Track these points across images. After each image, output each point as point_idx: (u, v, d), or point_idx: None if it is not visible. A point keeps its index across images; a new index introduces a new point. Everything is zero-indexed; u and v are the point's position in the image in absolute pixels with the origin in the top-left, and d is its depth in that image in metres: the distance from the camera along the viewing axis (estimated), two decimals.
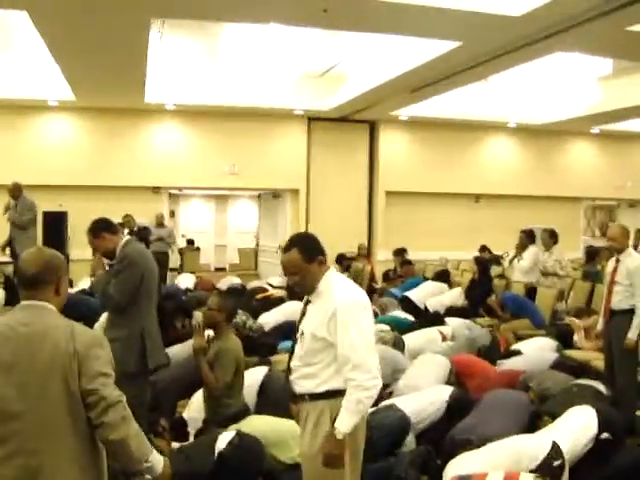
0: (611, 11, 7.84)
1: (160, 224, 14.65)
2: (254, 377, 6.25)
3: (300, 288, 3.86)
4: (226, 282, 13.88)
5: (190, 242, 20.96)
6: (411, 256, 14.57)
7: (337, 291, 3.66)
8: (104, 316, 6.80)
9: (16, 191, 11.09)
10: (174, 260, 16.32)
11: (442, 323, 9.14)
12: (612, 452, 4.95)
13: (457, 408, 5.77)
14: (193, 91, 14.24)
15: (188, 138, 15.68)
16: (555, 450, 4.54)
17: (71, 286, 12.05)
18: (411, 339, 8.25)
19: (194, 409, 5.95)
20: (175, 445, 5.28)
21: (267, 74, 14.17)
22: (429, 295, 11.41)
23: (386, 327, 8.39)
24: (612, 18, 8.04)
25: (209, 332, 5.78)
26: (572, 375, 6.72)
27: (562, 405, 5.45)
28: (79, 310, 7.98)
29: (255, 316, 9.62)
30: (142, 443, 2.92)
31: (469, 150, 17.28)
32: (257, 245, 19.92)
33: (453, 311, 10.50)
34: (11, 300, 10.79)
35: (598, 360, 7.51)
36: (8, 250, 11.43)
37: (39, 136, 14.81)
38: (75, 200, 14.08)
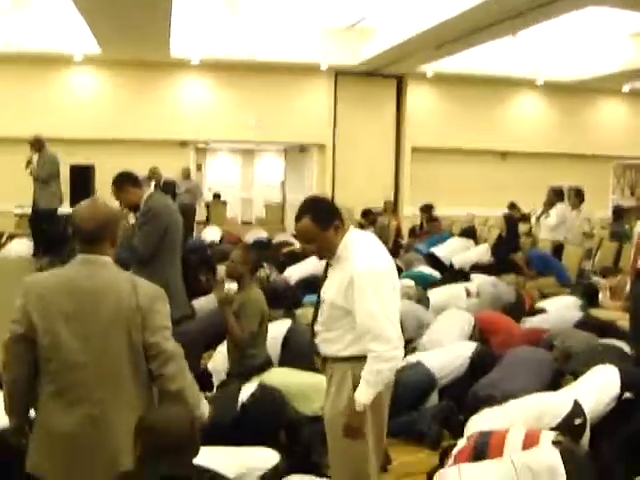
0: None
1: (187, 177, 14.67)
2: (278, 330, 6.28)
3: (318, 255, 3.73)
4: (252, 235, 13.89)
5: (217, 196, 20.98)
6: (438, 212, 14.50)
7: (356, 257, 3.49)
8: None
9: (37, 144, 10.87)
10: (201, 213, 16.38)
11: (467, 280, 9.13)
12: (634, 412, 4.94)
13: (480, 364, 5.77)
14: (219, 45, 14.20)
15: (214, 92, 15.65)
16: (577, 408, 4.53)
17: None
18: (436, 295, 8.25)
19: (219, 361, 5.99)
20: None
21: (293, 28, 14.10)
22: (455, 251, 11.37)
23: (411, 283, 8.39)
24: None
25: (231, 285, 5.79)
26: (597, 334, 6.69)
27: (585, 364, 5.42)
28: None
29: (281, 269, 9.65)
30: (195, 392, 3.03)
31: (496, 107, 17.13)
32: (284, 199, 19.90)
33: (479, 268, 10.47)
34: (39, 251, 10.93)
35: (623, 320, 7.46)
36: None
37: (65, 89, 14.88)
38: (102, 154, 14.11)
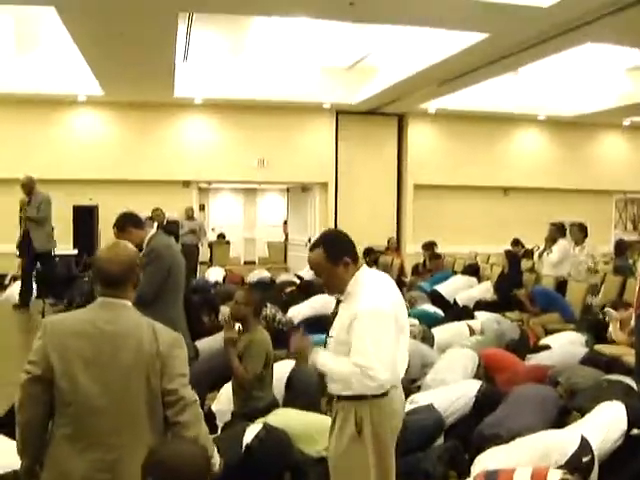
0: None
1: (190, 217, 14.70)
2: (282, 370, 6.25)
3: (326, 289, 3.78)
4: (255, 275, 13.90)
5: (221, 236, 21.03)
6: (440, 250, 14.50)
7: (362, 296, 3.52)
8: None
9: (31, 185, 10.40)
10: (204, 253, 16.39)
11: (471, 317, 9.10)
12: None
13: (485, 403, 5.73)
14: (222, 85, 14.32)
15: (217, 132, 15.75)
16: (584, 446, 4.49)
17: None
18: (440, 333, 8.22)
19: (222, 402, 5.96)
20: None
21: (295, 68, 14.22)
22: (458, 289, 11.36)
23: (415, 321, 8.36)
24: None
25: (238, 325, 5.78)
26: (602, 370, 6.65)
27: (592, 400, 5.39)
28: None
29: (284, 309, 9.63)
30: (209, 442, 3.00)
31: (498, 143, 17.21)
32: (286, 238, 19.94)
33: (482, 305, 10.45)
34: (40, 294, 10.88)
35: (629, 355, 7.42)
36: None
37: (68, 131, 14.99)
38: (105, 194, 14.19)
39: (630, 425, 4.91)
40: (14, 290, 10.86)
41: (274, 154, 15.83)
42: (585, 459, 4.44)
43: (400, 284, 12.43)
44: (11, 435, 3.13)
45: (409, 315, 8.34)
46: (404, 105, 15.38)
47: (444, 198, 16.86)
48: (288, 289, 11.65)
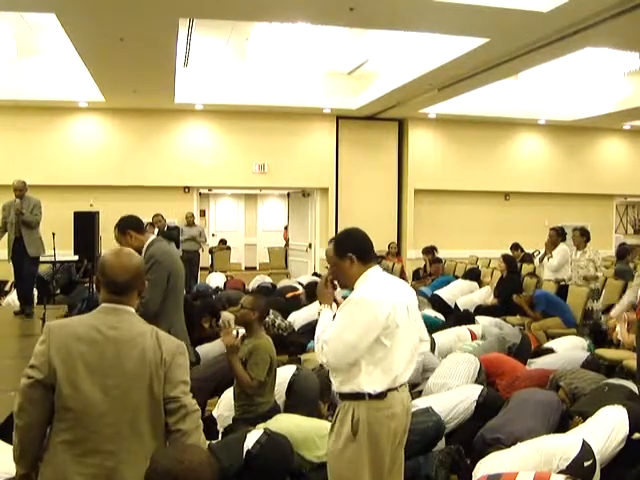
0: None
1: (190, 223, 14.70)
2: (283, 376, 6.25)
3: (338, 282, 3.91)
4: (257, 281, 13.90)
5: (222, 242, 21.03)
6: (441, 254, 14.52)
7: (358, 290, 3.68)
8: None
9: (25, 190, 10.22)
10: (205, 259, 16.39)
11: (472, 322, 9.10)
12: None
13: (487, 407, 5.73)
14: (222, 91, 14.32)
15: (217, 138, 15.75)
16: (586, 450, 4.49)
17: None
18: (441, 338, 8.21)
19: (223, 407, 5.95)
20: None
21: (295, 73, 14.22)
22: (459, 293, 11.37)
23: None
24: None
25: (241, 330, 5.76)
26: (603, 374, 6.65)
27: (593, 405, 5.39)
28: None
29: (285, 315, 9.63)
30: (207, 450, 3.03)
31: (498, 147, 17.20)
32: (287, 244, 19.93)
33: (483, 309, 10.45)
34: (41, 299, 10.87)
35: (630, 359, 7.42)
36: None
37: (69, 137, 14.98)
38: (106, 200, 14.19)
39: (632, 429, 4.90)
40: (15, 296, 10.85)
41: (275, 159, 15.82)
42: (587, 464, 4.44)
43: None
44: (9, 442, 3.11)
45: None
46: (404, 110, 15.37)
47: (445, 203, 16.85)
48: (289, 294, 11.65)
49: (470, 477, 4.56)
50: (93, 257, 11.17)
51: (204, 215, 21.70)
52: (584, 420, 5.16)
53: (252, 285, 13.59)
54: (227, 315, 8.85)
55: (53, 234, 9.94)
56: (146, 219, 12.81)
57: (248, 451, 4.58)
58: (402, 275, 14.32)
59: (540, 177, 17.33)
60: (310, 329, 8.82)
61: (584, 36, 9.08)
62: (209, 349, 7.62)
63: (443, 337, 8.28)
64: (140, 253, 5.24)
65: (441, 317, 9.83)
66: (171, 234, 12.54)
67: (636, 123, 16.94)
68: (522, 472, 4.04)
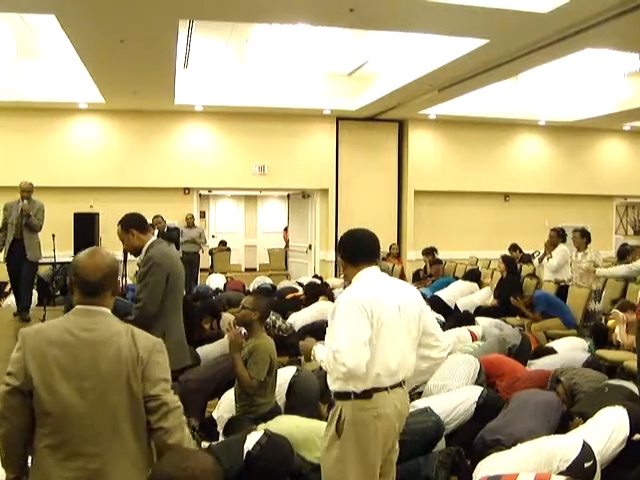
0: None
1: (190, 225, 14.69)
2: (283, 377, 6.25)
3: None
4: (257, 282, 13.91)
5: (222, 243, 21.05)
6: (441, 255, 14.54)
7: (348, 288, 3.76)
8: None
9: (31, 192, 10.14)
10: (205, 260, 16.39)
11: (472, 323, 9.10)
12: None
13: (487, 408, 5.73)
14: (222, 92, 14.33)
15: (217, 139, 15.75)
16: (586, 451, 4.49)
17: None
18: None
19: (224, 409, 5.96)
20: (205, 445, 5.29)
21: (295, 74, 14.22)
22: (459, 294, 11.38)
23: None
24: None
25: (244, 331, 5.78)
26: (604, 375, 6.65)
27: (593, 406, 5.38)
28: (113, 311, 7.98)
29: (285, 316, 9.64)
30: (191, 447, 3.02)
31: (499, 148, 17.20)
32: (287, 245, 19.94)
33: (483, 310, 10.45)
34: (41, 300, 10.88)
35: (631, 360, 7.42)
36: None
37: (70, 138, 14.99)
38: (106, 201, 14.20)
39: (632, 430, 4.90)
40: (14, 298, 10.82)
41: (274, 161, 15.82)
42: (587, 464, 4.44)
43: None
44: None
45: None
46: (404, 111, 15.37)
47: (445, 204, 16.85)
48: (289, 296, 11.66)
49: (470, 478, 4.56)
50: None
51: (204, 216, 21.70)
52: (584, 421, 5.16)
53: (252, 286, 13.60)
54: (228, 316, 8.85)
55: (53, 235, 9.94)
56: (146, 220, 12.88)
57: (248, 452, 4.58)
58: (402, 276, 14.32)
59: (540, 178, 17.32)
60: (310, 330, 8.85)
61: (584, 37, 9.07)
62: (209, 350, 7.63)
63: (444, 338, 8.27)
64: (140, 252, 5.30)
65: (441, 318, 9.81)
66: (171, 235, 12.55)
67: (636, 124, 16.94)
68: (522, 473, 4.04)
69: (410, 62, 12.14)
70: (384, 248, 15.21)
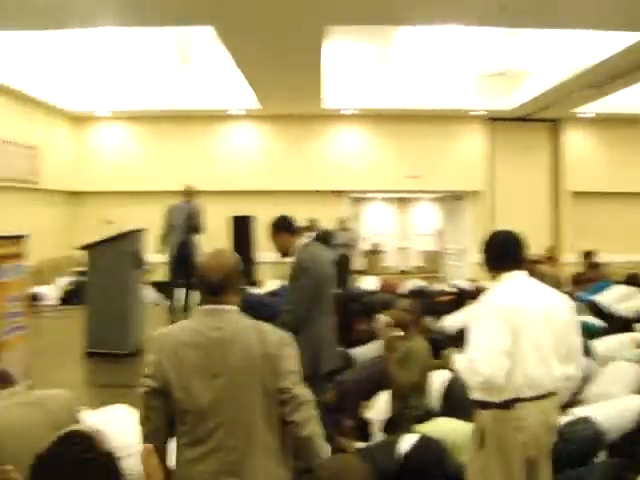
0: None
1: (343, 228, 14.83)
2: (439, 380, 6.22)
3: None
4: (411, 284, 13.88)
5: (375, 245, 21.15)
6: (600, 259, 14.04)
7: (487, 295, 3.70)
8: None
9: (194, 194, 10.56)
10: (358, 262, 16.49)
11: (633, 329, 8.76)
12: None
13: None
14: (371, 95, 14.43)
15: (368, 142, 15.87)
16: None
17: (259, 287, 12.46)
18: (601, 345, 7.95)
19: (378, 410, 5.99)
20: (359, 445, 5.34)
21: (445, 75, 14.14)
22: (619, 300, 10.95)
23: None
24: None
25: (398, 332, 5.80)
26: None
27: None
28: (266, 311, 8.15)
29: (438, 319, 9.58)
30: (322, 440, 3.01)
31: None
32: (440, 248, 19.81)
33: None
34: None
35: None
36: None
37: (226, 144, 15.50)
38: (261, 205, 14.55)
39: None
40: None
41: (426, 163, 15.80)
42: None
43: None
44: None
45: None
46: (559, 110, 15.00)
47: (603, 205, 16.33)
48: (442, 298, 11.56)
49: None
50: (248, 259, 11.46)
51: (357, 219, 21.85)
52: None
53: (405, 288, 13.57)
54: (382, 318, 8.89)
55: (212, 237, 10.29)
56: (300, 223, 13.12)
57: (404, 454, 4.59)
58: (558, 280, 13.94)
59: None
60: (463, 333, 8.74)
61: None
62: (364, 352, 7.68)
63: (603, 344, 8.01)
64: (290, 254, 5.39)
65: (600, 323, 9.50)
66: (325, 238, 12.72)
67: None
68: None
69: (565, 59, 11.83)
70: (538, 250, 14.87)
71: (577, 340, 3.78)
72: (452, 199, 17.61)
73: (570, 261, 15.68)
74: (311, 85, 12.48)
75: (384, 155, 15.91)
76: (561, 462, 3.94)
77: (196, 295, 3.29)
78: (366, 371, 6.82)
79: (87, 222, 14.56)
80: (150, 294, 11.97)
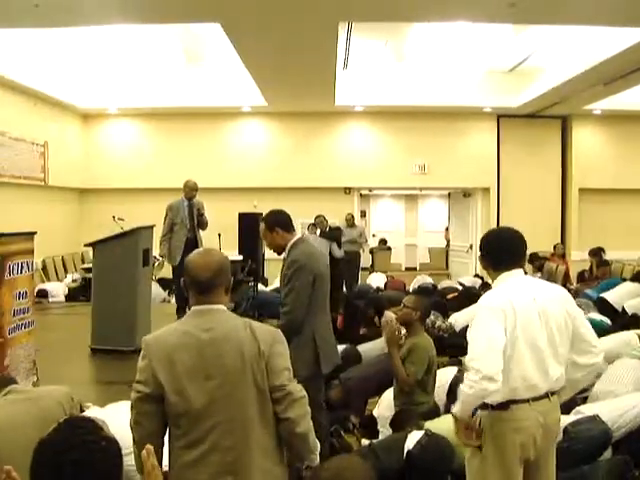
0: None
1: (351, 224, 14.84)
2: (444, 377, 6.22)
3: None
4: (417, 281, 13.88)
5: (382, 242, 21.09)
6: (608, 256, 14.01)
7: (484, 295, 3.66)
8: None
9: (197, 190, 10.43)
10: (365, 259, 16.50)
11: None
12: None
13: None
14: (381, 92, 14.42)
15: (377, 139, 15.87)
16: None
17: (265, 285, 12.47)
18: (608, 342, 7.92)
19: (384, 407, 5.99)
20: (365, 442, 5.35)
21: (454, 72, 14.13)
22: (627, 297, 10.92)
23: None
24: None
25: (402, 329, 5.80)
26: None
27: None
28: (272, 309, 8.18)
29: (445, 316, 9.58)
30: (314, 436, 3.03)
31: None
32: (448, 245, 19.80)
33: None
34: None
35: None
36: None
37: (233, 141, 15.53)
38: (268, 201, 14.50)
39: None
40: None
41: (435, 159, 15.79)
42: None
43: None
44: None
45: None
46: (568, 107, 14.97)
47: (611, 202, 16.26)
48: (450, 295, 11.57)
49: None
50: (257, 257, 11.46)
51: (364, 216, 21.81)
52: None
53: (413, 285, 13.58)
54: (389, 314, 8.89)
55: (219, 235, 10.29)
56: (308, 220, 13.17)
57: (409, 451, 4.60)
58: (566, 277, 13.92)
59: None
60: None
61: None
62: (370, 347, 7.69)
63: (610, 342, 7.97)
64: (284, 251, 5.15)
65: (607, 321, 9.48)
66: (333, 235, 12.74)
67: None
68: None
69: (574, 55, 11.79)
70: (547, 248, 14.90)
71: (587, 331, 3.69)
72: (460, 196, 17.59)
73: (578, 258, 15.66)
74: (324, 83, 12.46)
75: (392, 152, 15.91)
76: (567, 461, 3.93)
77: None
78: (372, 368, 6.83)
79: (96, 219, 14.56)
80: (157, 291, 12.01)
